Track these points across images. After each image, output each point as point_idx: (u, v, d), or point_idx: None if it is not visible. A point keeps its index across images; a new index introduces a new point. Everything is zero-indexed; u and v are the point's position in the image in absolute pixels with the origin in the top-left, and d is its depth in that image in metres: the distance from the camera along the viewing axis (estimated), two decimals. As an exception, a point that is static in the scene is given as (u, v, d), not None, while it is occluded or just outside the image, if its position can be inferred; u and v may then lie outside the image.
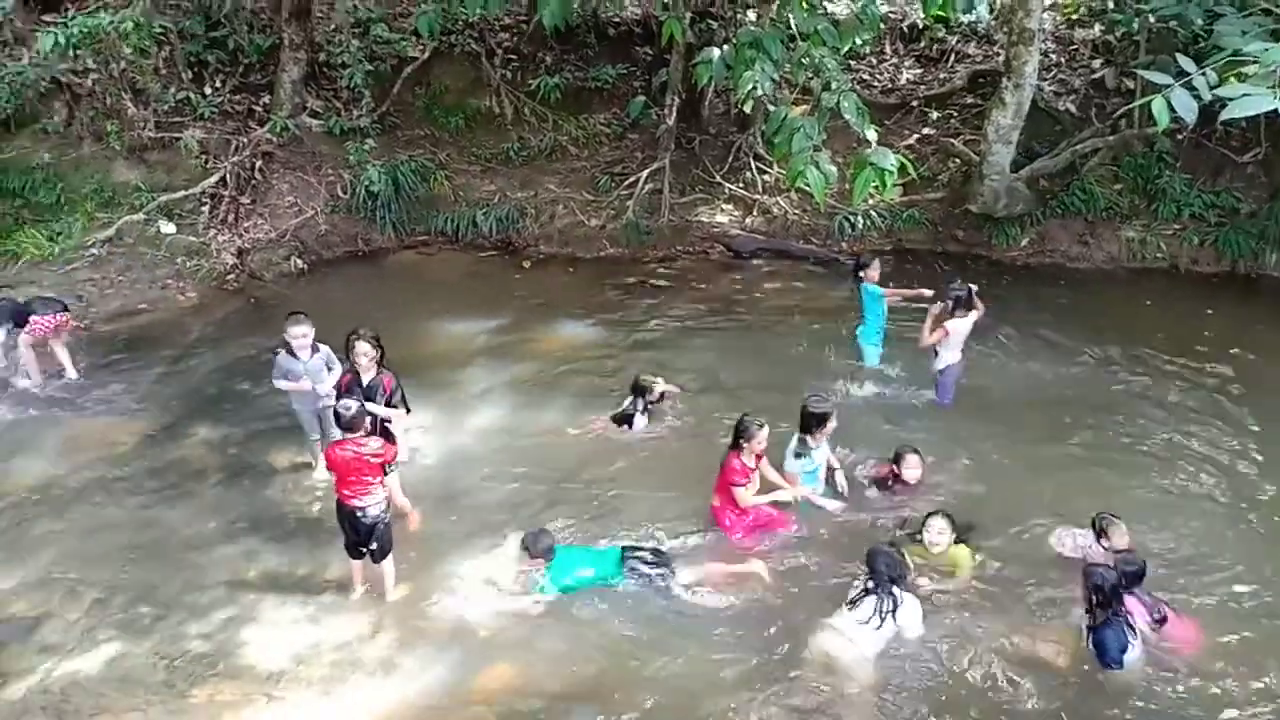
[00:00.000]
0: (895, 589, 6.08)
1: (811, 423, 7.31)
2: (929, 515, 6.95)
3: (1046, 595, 6.72)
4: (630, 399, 8.88)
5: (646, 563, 6.86)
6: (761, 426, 7.02)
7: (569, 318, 11.38)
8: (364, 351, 7.27)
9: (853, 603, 6.13)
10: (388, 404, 7.47)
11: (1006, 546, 7.25)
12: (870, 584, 6.10)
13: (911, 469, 7.67)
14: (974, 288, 8.88)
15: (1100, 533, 6.72)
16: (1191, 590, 6.77)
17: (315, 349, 7.96)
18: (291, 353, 7.88)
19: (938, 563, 6.87)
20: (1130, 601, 6.11)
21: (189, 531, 7.74)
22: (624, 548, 7.00)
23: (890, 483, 7.81)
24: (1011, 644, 6.30)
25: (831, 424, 7.39)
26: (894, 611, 6.04)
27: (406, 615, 6.76)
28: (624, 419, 8.83)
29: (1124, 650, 5.87)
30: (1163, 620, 6.19)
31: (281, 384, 7.98)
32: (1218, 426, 8.85)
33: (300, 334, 7.82)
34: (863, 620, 6.04)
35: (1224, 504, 7.79)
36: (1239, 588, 6.84)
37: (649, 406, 8.85)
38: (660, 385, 8.90)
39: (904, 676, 6.08)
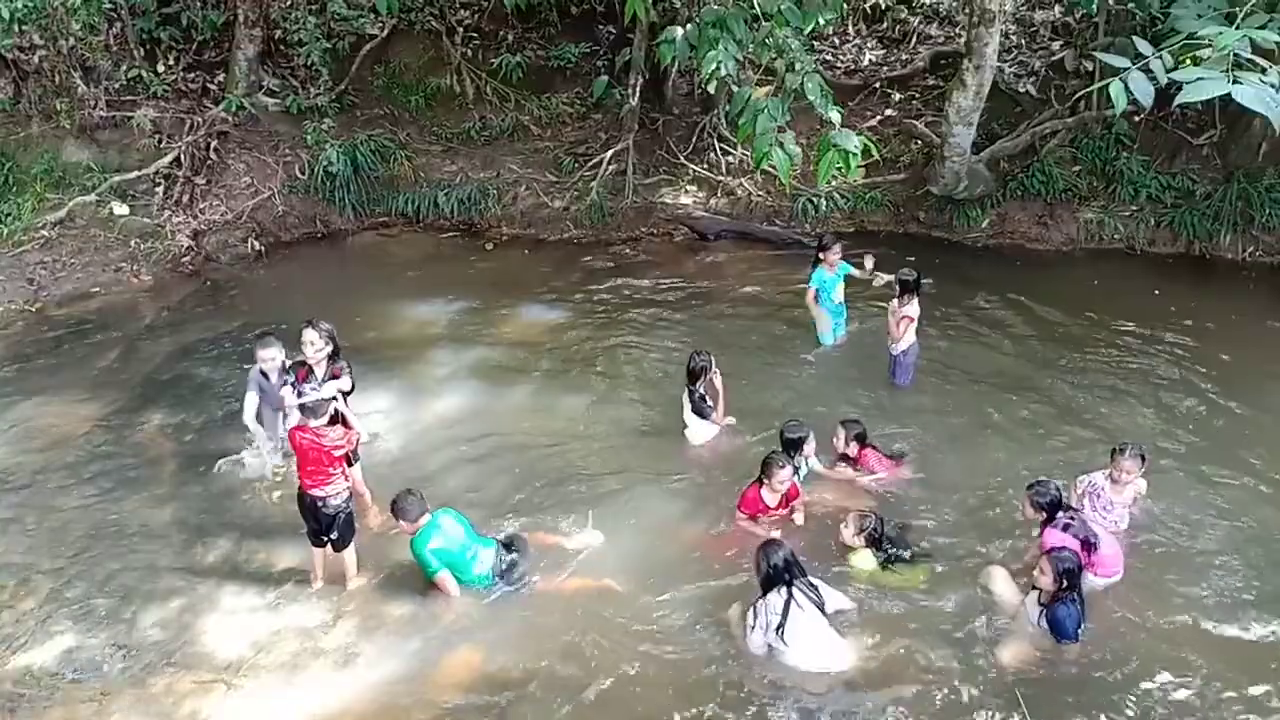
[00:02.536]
0: (802, 576, 6.06)
1: (790, 447, 7.34)
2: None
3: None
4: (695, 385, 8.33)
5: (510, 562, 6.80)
6: (783, 467, 7.02)
7: (532, 300, 11.30)
8: (309, 340, 7.04)
9: (782, 621, 5.93)
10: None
11: (966, 520, 7.34)
12: (780, 588, 5.98)
13: (835, 438, 7.80)
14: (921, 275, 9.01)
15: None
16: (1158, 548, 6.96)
17: (286, 370, 7.56)
18: (263, 373, 7.63)
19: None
20: (1054, 534, 6.27)
21: (145, 519, 7.62)
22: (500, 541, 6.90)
23: (849, 461, 7.84)
24: (969, 626, 6.36)
25: (810, 445, 7.49)
26: (820, 597, 6.08)
27: (368, 603, 6.71)
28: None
29: (1079, 625, 6.00)
30: (1091, 546, 6.34)
31: (248, 410, 7.63)
32: (1170, 398, 9.01)
33: (269, 358, 7.50)
34: (821, 617, 6.02)
35: (1187, 471, 7.92)
36: (1198, 543, 7.05)
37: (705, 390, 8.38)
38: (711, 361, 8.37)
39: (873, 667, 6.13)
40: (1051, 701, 5.77)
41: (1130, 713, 5.71)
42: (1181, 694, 5.83)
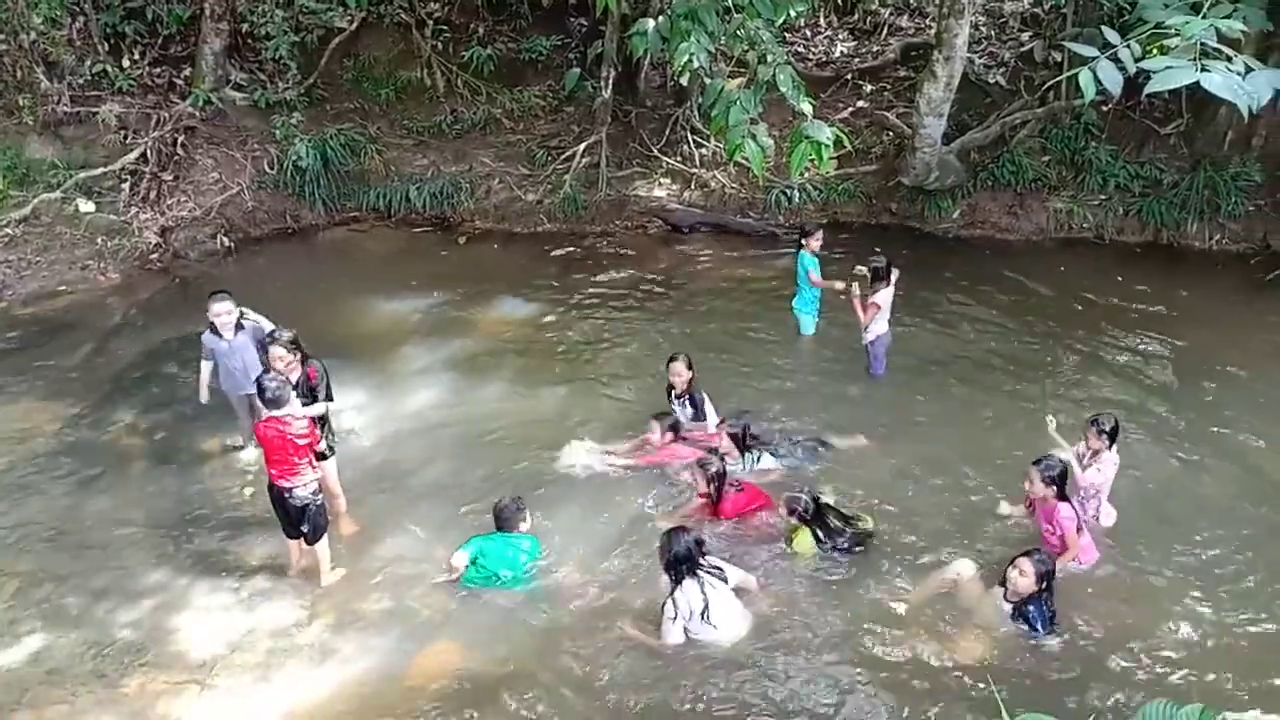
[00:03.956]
0: (705, 558, 6.15)
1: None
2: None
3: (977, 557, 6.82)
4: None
5: None
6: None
7: (506, 294, 11.26)
8: (278, 356, 6.95)
9: (706, 606, 6.02)
10: (311, 395, 7.10)
11: (935, 509, 7.38)
12: (691, 575, 6.06)
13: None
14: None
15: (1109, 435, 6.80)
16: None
17: (240, 325, 7.77)
18: (216, 331, 7.70)
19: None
20: (1068, 510, 6.37)
21: (116, 518, 7.54)
22: None
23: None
24: (940, 617, 6.38)
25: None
26: (723, 572, 6.22)
27: (343, 598, 6.66)
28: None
29: (1052, 619, 6.07)
30: (1079, 529, 6.46)
31: (201, 389, 7.89)
32: (1139, 382, 9.16)
33: (222, 312, 7.65)
34: (728, 590, 6.19)
35: (1159, 454, 8.05)
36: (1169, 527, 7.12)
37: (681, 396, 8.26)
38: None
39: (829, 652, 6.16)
40: (1028, 692, 5.78)
41: (1108, 701, 5.72)
42: (1159, 681, 5.86)
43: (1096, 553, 6.67)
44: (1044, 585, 6.01)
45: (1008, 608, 6.15)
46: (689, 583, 6.03)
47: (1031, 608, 6.04)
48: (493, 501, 7.38)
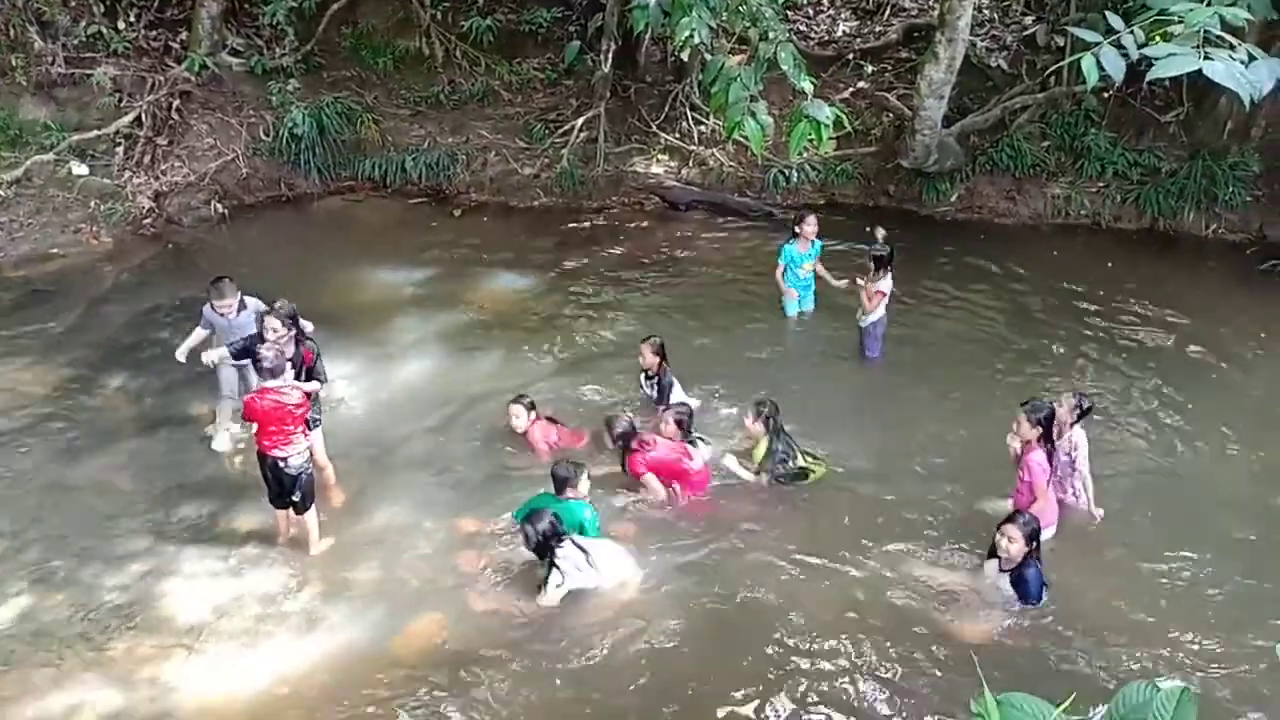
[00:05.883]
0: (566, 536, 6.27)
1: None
2: None
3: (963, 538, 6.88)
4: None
5: None
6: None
7: (501, 268, 11.22)
8: (273, 329, 6.96)
9: (585, 554, 6.26)
10: (308, 376, 7.15)
11: (918, 492, 7.40)
12: (558, 544, 6.22)
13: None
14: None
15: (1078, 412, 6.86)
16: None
17: (243, 305, 7.73)
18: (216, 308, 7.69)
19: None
20: (1041, 456, 6.47)
21: (105, 482, 7.55)
22: None
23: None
24: (920, 581, 6.49)
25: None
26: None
27: (331, 568, 6.68)
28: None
29: (1044, 586, 6.13)
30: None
31: (194, 335, 7.81)
32: (1129, 367, 9.16)
33: (224, 306, 7.64)
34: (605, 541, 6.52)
35: (1142, 435, 8.12)
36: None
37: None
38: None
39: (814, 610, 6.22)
40: (1008, 665, 5.85)
41: (1092, 679, 5.77)
42: (1144, 660, 5.93)
43: (1054, 518, 6.70)
44: (1033, 545, 6.07)
45: (1005, 578, 6.20)
46: (564, 550, 6.20)
47: (1028, 571, 6.09)
48: (480, 471, 7.44)
